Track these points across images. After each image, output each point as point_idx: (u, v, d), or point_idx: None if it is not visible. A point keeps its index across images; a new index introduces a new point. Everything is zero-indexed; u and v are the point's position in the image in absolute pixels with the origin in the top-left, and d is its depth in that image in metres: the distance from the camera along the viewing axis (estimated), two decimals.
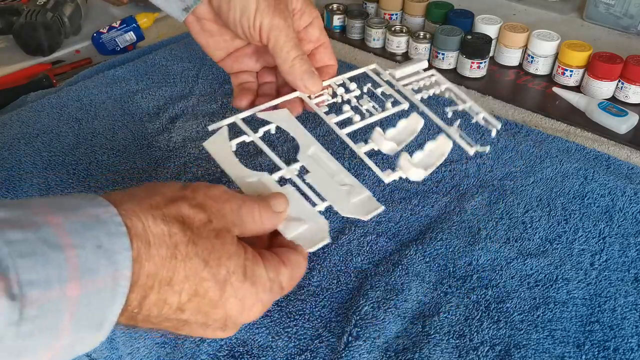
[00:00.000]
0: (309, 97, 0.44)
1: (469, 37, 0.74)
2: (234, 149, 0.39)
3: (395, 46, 0.80)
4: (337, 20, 0.86)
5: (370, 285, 0.44)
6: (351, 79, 0.46)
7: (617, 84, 0.70)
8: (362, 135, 0.42)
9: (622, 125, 0.64)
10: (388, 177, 0.39)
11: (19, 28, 0.76)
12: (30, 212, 0.25)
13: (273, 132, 0.42)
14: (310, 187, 0.38)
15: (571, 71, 0.72)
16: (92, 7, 0.94)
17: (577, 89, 0.73)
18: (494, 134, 0.44)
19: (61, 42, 0.81)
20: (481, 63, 0.74)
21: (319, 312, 0.42)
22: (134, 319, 0.29)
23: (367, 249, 0.48)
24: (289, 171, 0.39)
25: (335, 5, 0.87)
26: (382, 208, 0.37)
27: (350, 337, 0.40)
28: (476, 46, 0.73)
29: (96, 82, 0.68)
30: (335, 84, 0.45)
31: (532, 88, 0.73)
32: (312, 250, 0.34)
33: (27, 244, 0.23)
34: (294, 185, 0.38)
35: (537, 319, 0.42)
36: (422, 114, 0.44)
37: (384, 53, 0.81)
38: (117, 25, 0.82)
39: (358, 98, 0.45)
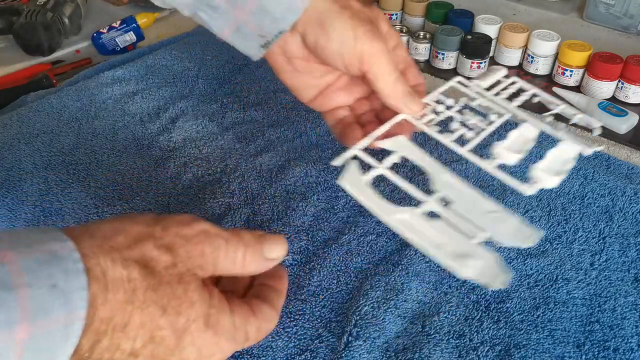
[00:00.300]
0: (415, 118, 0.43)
1: (469, 37, 0.74)
2: (369, 182, 0.37)
3: None
4: None
5: (370, 285, 0.44)
6: (444, 94, 0.45)
7: (617, 84, 0.70)
8: (479, 149, 0.42)
9: (622, 125, 0.64)
10: (529, 189, 0.37)
11: (19, 28, 0.76)
12: None
13: (397, 161, 0.40)
14: (461, 218, 0.35)
15: (571, 71, 0.72)
16: (92, 7, 0.94)
17: (577, 89, 0.73)
18: (596, 132, 0.43)
19: (61, 42, 0.81)
20: (481, 63, 0.74)
21: (319, 312, 0.42)
22: None
23: (367, 249, 0.48)
24: (434, 203, 0.36)
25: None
26: (541, 233, 0.35)
27: (350, 337, 0.40)
28: (476, 46, 0.73)
29: (96, 82, 0.68)
30: (432, 101, 0.45)
31: None
32: (494, 287, 0.31)
33: None
34: (437, 216, 0.36)
35: (537, 319, 0.42)
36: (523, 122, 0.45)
37: None
38: (117, 25, 0.82)
39: (460, 113, 0.45)
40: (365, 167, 0.37)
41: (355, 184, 0.36)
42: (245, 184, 0.54)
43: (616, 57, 0.69)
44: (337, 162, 0.38)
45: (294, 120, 0.63)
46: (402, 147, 0.41)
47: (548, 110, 0.47)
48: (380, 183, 0.38)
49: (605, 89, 0.70)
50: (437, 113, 0.45)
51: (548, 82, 0.74)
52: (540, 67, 0.75)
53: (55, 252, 0.25)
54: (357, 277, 0.45)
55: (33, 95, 0.67)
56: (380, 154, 0.39)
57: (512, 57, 0.77)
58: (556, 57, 0.74)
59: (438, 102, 0.46)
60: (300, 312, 0.42)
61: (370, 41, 0.40)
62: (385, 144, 0.41)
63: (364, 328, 0.41)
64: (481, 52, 0.73)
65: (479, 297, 0.44)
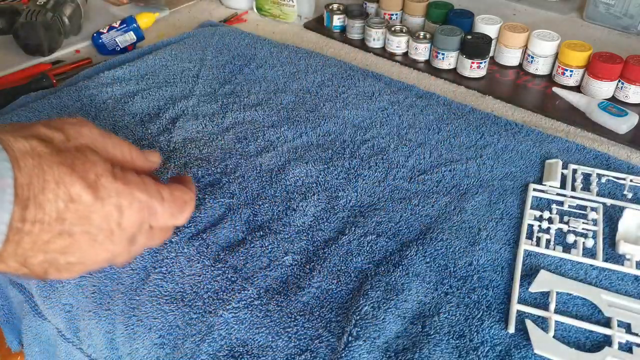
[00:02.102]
0: None
1: (469, 37, 0.74)
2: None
3: (395, 46, 0.80)
4: (337, 20, 0.86)
5: (370, 285, 0.44)
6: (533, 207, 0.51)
7: (617, 84, 0.70)
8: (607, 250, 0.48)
9: (622, 125, 0.64)
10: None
11: (19, 28, 0.76)
12: None
13: (555, 303, 0.43)
14: None
15: (571, 71, 0.72)
16: (92, 7, 0.94)
17: (577, 89, 0.73)
18: None
19: (61, 42, 0.81)
20: (481, 63, 0.74)
21: (318, 312, 0.42)
22: (20, 244, 0.29)
23: (367, 249, 0.47)
24: (617, 332, 0.41)
25: (335, 5, 0.87)
26: None
27: (350, 337, 0.40)
28: (476, 46, 0.73)
29: (96, 82, 0.68)
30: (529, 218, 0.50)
31: (532, 88, 0.73)
32: None
33: None
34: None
35: (538, 319, 0.42)
36: (612, 206, 0.51)
37: (383, 53, 0.81)
38: (117, 25, 0.82)
39: (561, 220, 0.50)
40: (539, 322, 0.41)
41: (548, 347, 0.40)
42: (245, 184, 0.54)
43: (616, 57, 0.69)
44: (533, 288, 0.43)
45: (294, 120, 0.63)
46: (553, 284, 0.44)
47: (619, 184, 0.54)
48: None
49: (605, 89, 0.70)
50: (543, 229, 0.49)
51: (548, 82, 0.74)
52: (540, 67, 0.75)
53: None
54: (357, 277, 0.45)
55: (33, 95, 0.67)
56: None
57: (512, 57, 0.77)
58: (556, 57, 0.74)
59: (536, 218, 0.50)
60: (300, 312, 0.42)
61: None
62: (536, 288, 0.44)
63: (364, 328, 0.41)
64: (481, 52, 0.73)
65: (480, 297, 0.44)
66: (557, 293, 0.44)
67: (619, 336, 0.40)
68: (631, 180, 0.55)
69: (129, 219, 0.33)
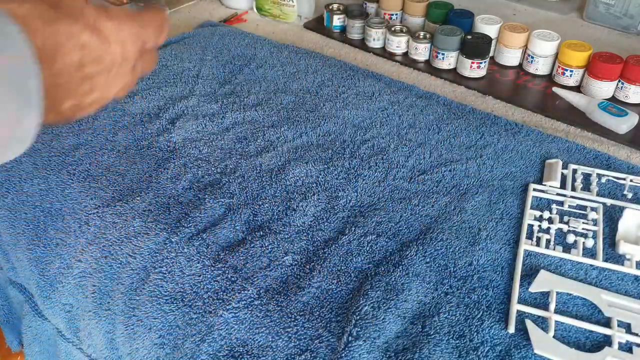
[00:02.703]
0: None
1: (469, 37, 0.74)
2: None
3: (395, 46, 0.80)
4: (337, 20, 0.86)
5: (370, 286, 0.44)
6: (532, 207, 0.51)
7: (617, 84, 0.70)
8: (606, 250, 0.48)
9: (622, 125, 0.64)
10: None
11: None
12: None
13: (555, 303, 0.43)
14: None
15: (571, 71, 0.72)
16: None
17: (577, 89, 0.73)
18: None
19: None
20: (481, 63, 0.74)
21: (319, 312, 0.42)
22: (55, 99, 0.33)
23: (367, 249, 0.47)
24: (617, 332, 0.41)
25: (335, 5, 0.87)
26: None
27: (350, 337, 0.40)
28: (476, 46, 0.73)
29: None
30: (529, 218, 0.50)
31: (532, 88, 0.73)
32: None
33: None
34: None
35: (538, 319, 0.42)
36: (612, 206, 0.52)
37: (383, 53, 0.81)
38: None
39: (560, 220, 0.50)
40: (539, 322, 0.41)
41: (548, 347, 0.40)
42: (245, 184, 0.54)
43: (616, 57, 0.69)
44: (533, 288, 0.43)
45: (294, 120, 0.63)
46: (553, 284, 0.44)
47: (619, 184, 0.54)
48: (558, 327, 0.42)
49: (605, 89, 0.70)
50: (543, 229, 0.49)
51: (548, 82, 0.74)
52: (540, 67, 0.75)
53: None
54: (357, 277, 0.45)
55: None
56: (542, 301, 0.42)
57: (512, 57, 0.77)
58: (556, 57, 0.74)
59: (536, 218, 0.50)
60: (300, 312, 0.42)
61: None
62: (536, 288, 0.44)
63: (364, 328, 0.41)
64: (481, 52, 0.73)
65: (480, 297, 0.44)
66: (557, 293, 0.44)
67: (619, 336, 0.40)
68: (631, 180, 0.55)
69: (131, 50, 0.37)
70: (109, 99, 0.39)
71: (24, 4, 0.32)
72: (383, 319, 0.41)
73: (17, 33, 0.30)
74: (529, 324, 0.41)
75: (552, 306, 0.42)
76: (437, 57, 0.76)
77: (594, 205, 0.52)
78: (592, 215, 0.50)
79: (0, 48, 0.28)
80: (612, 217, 0.51)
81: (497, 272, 0.46)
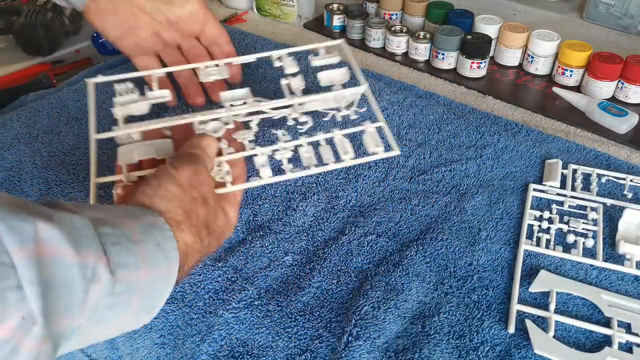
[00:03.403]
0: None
1: (469, 37, 0.74)
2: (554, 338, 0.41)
3: (395, 46, 0.80)
4: (337, 20, 0.86)
5: (370, 285, 0.44)
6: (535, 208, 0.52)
7: (617, 84, 0.70)
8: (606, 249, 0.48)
9: (622, 125, 0.64)
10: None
11: (19, 28, 0.76)
12: (112, 216, 0.32)
13: (555, 304, 0.43)
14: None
15: (571, 71, 0.72)
16: None
17: (577, 89, 0.73)
18: None
19: (61, 42, 0.81)
20: (481, 63, 0.74)
21: (319, 312, 0.42)
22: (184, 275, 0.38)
23: (368, 249, 0.48)
24: (617, 332, 0.41)
25: (335, 5, 0.87)
26: None
27: (350, 337, 0.40)
28: (476, 46, 0.73)
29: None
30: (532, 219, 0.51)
31: (532, 88, 0.74)
32: None
33: (115, 237, 0.31)
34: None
35: (538, 319, 0.42)
36: (612, 206, 0.52)
37: (384, 53, 0.81)
38: None
39: (560, 220, 0.51)
40: (539, 322, 0.41)
41: (548, 347, 0.40)
42: None
43: (616, 57, 0.69)
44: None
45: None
46: (553, 284, 0.44)
47: (619, 184, 0.54)
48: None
49: (605, 89, 0.70)
50: (543, 229, 0.49)
51: (548, 82, 0.74)
52: (540, 67, 0.75)
53: (153, 223, 0.34)
54: (357, 277, 0.45)
55: (33, 95, 0.67)
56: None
57: (512, 57, 0.77)
58: (556, 57, 0.74)
59: (536, 218, 0.51)
60: (300, 312, 0.42)
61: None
62: (536, 288, 0.44)
63: (364, 328, 0.41)
64: (481, 52, 0.73)
65: (480, 297, 0.44)
66: (557, 293, 0.44)
67: (619, 336, 0.40)
68: (631, 180, 0.55)
69: (230, 223, 0.43)
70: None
71: (196, 237, 0.37)
72: (383, 319, 0.41)
73: (176, 264, 0.34)
74: (529, 323, 0.41)
75: (552, 306, 0.42)
76: (437, 57, 0.76)
77: (594, 205, 0.52)
78: (592, 215, 0.50)
79: (157, 261, 0.33)
80: (612, 217, 0.51)
81: (497, 272, 0.46)
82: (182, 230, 0.36)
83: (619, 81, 0.70)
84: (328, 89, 0.51)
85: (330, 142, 0.48)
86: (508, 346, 0.40)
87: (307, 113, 0.51)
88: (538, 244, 0.48)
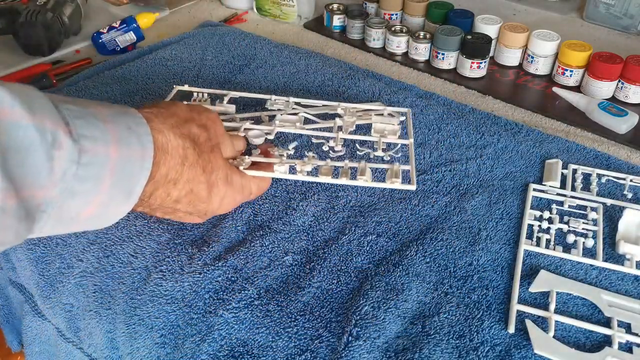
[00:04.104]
0: None
1: (469, 37, 0.74)
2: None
3: (395, 46, 0.80)
4: (337, 20, 0.86)
5: (370, 285, 0.44)
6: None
7: (617, 84, 0.70)
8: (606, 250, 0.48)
9: (622, 125, 0.64)
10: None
11: (19, 28, 0.76)
12: (83, 102, 0.33)
13: (555, 304, 0.43)
14: None
15: (571, 71, 0.72)
16: (92, 7, 0.94)
17: (577, 89, 0.73)
18: None
19: (61, 42, 0.81)
20: (481, 63, 0.74)
21: (319, 312, 0.43)
22: (142, 205, 0.38)
23: (368, 248, 0.48)
24: (617, 333, 0.41)
25: (335, 5, 0.87)
26: None
27: (350, 337, 0.40)
28: (476, 46, 0.73)
29: (96, 82, 0.68)
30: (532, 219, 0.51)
31: (532, 88, 0.74)
32: None
33: (80, 113, 0.31)
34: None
35: (538, 319, 0.42)
36: (612, 206, 0.52)
37: (384, 53, 0.82)
38: (117, 25, 0.82)
39: (560, 219, 0.51)
40: (539, 322, 0.41)
41: (548, 347, 0.40)
42: None
43: (616, 57, 0.69)
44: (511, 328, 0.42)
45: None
46: (553, 284, 0.44)
47: (619, 184, 0.55)
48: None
49: (605, 89, 0.70)
50: (543, 229, 0.49)
51: (548, 82, 0.75)
52: (540, 67, 0.75)
53: (126, 112, 0.35)
54: (357, 277, 0.45)
55: None
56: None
57: (512, 57, 0.77)
58: (556, 57, 0.74)
59: (536, 218, 0.51)
60: (300, 312, 0.42)
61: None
62: (536, 288, 0.44)
63: (364, 328, 0.41)
64: (481, 52, 0.73)
65: (480, 297, 0.44)
66: (557, 293, 0.44)
67: (619, 336, 0.40)
68: (631, 180, 0.55)
69: (222, 210, 0.45)
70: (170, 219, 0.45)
71: (183, 139, 0.38)
72: (383, 319, 0.41)
73: (148, 135, 0.35)
74: (529, 323, 0.41)
75: (552, 306, 0.42)
76: (437, 57, 0.76)
77: (594, 205, 0.52)
78: (592, 215, 0.50)
79: (130, 143, 0.33)
80: (612, 217, 0.51)
81: (497, 272, 0.46)
82: (161, 130, 0.36)
83: (619, 81, 0.70)
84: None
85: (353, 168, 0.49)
86: (508, 346, 0.40)
87: (344, 144, 0.54)
88: (538, 244, 0.48)
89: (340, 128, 0.54)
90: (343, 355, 0.39)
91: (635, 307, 0.42)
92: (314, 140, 0.54)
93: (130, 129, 0.33)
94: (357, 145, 0.55)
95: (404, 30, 0.80)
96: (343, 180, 0.47)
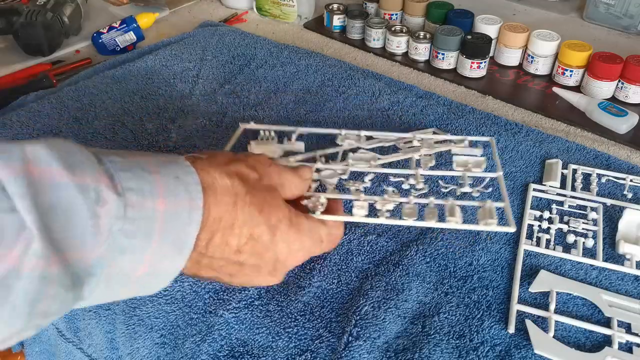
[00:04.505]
0: None
1: (469, 37, 0.74)
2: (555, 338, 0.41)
3: (395, 46, 0.80)
4: (337, 20, 0.86)
5: (370, 285, 0.44)
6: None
7: (617, 84, 0.70)
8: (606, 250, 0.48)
9: (622, 125, 0.64)
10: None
11: (19, 28, 0.76)
12: (127, 153, 0.31)
13: (555, 304, 0.43)
14: None
15: (571, 71, 0.72)
16: (92, 7, 0.94)
17: (577, 89, 0.73)
18: None
19: (61, 42, 0.81)
20: (481, 63, 0.74)
21: (319, 312, 0.43)
22: (199, 263, 0.34)
23: (368, 248, 0.48)
24: (617, 333, 0.41)
25: (335, 5, 0.87)
26: None
27: (350, 337, 0.40)
28: (476, 46, 0.73)
29: (96, 82, 0.68)
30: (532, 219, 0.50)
31: (532, 88, 0.74)
32: None
33: (125, 164, 0.29)
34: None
35: (538, 319, 0.42)
36: (612, 206, 0.52)
37: (384, 53, 0.82)
38: (117, 25, 0.82)
39: (560, 220, 0.50)
40: (539, 322, 0.41)
41: (548, 347, 0.40)
42: None
43: (616, 57, 0.69)
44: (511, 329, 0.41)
45: (294, 120, 0.63)
46: (553, 284, 0.44)
47: (619, 184, 0.54)
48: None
49: (605, 89, 0.70)
50: (543, 229, 0.49)
51: (548, 82, 0.74)
52: (540, 67, 0.75)
53: (173, 160, 0.33)
54: (357, 277, 0.45)
55: (33, 95, 0.67)
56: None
57: (512, 57, 0.77)
58: (556, 57, 0.74)
59: (536, 218, 0.50)
60: (300, 312, 0.42)
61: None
62: (536, 288, 0.44)
63: (364, 328, 0.41)
64: (481, 52, 0.73)
65: (480, 297, 0.44)
66: (557, 293, 0.44)
67: (619, 336, 0.40)
68: (631, 180, 0.55)
69: (293, 260, 0.39)
70: (246, 286, 0.40)
71: (231, 178, 0.34)
72: (383, 318, 0.41)
73: (197, 184, 0.32)
74: (529, 324, 0.41)
75: (552, 306, 0.42)
76: (437, 57, 0.76)
77: (594, 205, 0.52)
78: (592, 215, 0.50)
79: (178, 193, 0.31)
80: (612, 217, 0.51)
81: (497, 272, 0.46)
82: (207, 170, 0.33)
83: (619, 81, 0.70)
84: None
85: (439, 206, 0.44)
86: (508, 346, 0.40)
87: (425, 180, 0.48)
88: (538, 244, 0.48)
89: (418, 163, 0.49)
90: (343, 355, 0.39)
91: (635, 307, 0.42)
92: (392, 179, 0.49)
93: (178, 179, 0.31)
94: (440, 182, 0.52)
95: (404, 30, 0.80)
96: (432, 223, 0.41)
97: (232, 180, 0.34)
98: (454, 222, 0.41)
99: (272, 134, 0.50)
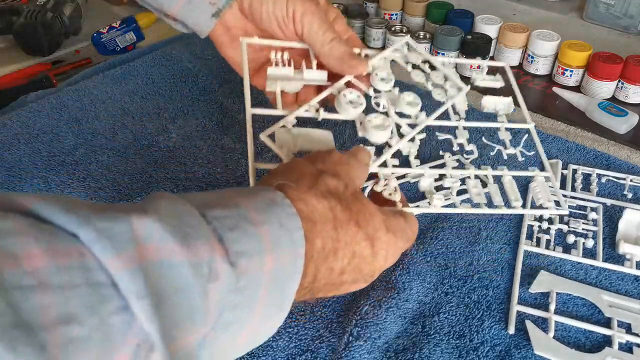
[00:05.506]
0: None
1: (469, 37, 0.74)
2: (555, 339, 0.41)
3: None
4: None
5: (371, 285, 0.44)
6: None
7: (617, 84, 0.70)
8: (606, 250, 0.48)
9: (622, 125, 0.64)
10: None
11: (19, 28, 0.76)
12: (220, 197, 0.27)
13: (554, 306, 0.43)
14: None
15: (571, 71, 0.72)
16: (92, 7, 0.94)
17: (577, 89, 0.73)
18: None
19: (61, 42, 0.81)
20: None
21: (319, 312, 0.42)
22: (307, 293, 0.32)
23: None
24: (617, 333, 0.41)
25: (335, 6, 0.87)
26: None
27: (350, 337, 0.40)
28: (476, 46, 0.73)
29: (96, 82, 0.68)
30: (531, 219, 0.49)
31: (532, 88, 0.74)
32: None
33: (231, 220, 0.25)
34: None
35: (538, 320, 0.42)
36: (612, 206, 0.52)
37: None
38: (117, 25, 0.82)
39: (564, 222, 0.50)
40: (539, 322, 0.41)
41: (548, 347, 0.40)
42: (246, 184, 0.54)
43: (616, 57, 0.69)
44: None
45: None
46: (553, 284, 0.44)
47: (619, 184, 0.54)
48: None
49: (605, 89, 0.70)
50: (543, 230, 0.49)
51: (548, 82, 0.74)
52: (540, 67, 0.75)
53: (272, 199, 0.28)
54: None
55: (33, 95, 0.67)
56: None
57: (512, 57, 0.77)
58: (556, 57, 0.74)
59: (536, 218, 0.50)
60: (301, 312, 0.42)
61: (302, 2, 0.42)
62: (536, 289, 0.44)
63: (365, 328, 0.41)
64: (481, 52, 0.73)
65: (480, 297, 0.44)
66: (557, 293, 0.44)
67: (619, 336, 0.40)
68: (631, 180, 0.55)
69: (389, 265, 0.36)
70: (339, 295, 0.37)
71: (327, 199, 0.31)
72: (384, 318, 0.41)
73: (299, 230, 0.28)
74: (529, 324, 0.41)
75: (552, 307, 0.42)
76: (437, 57, 0.76)
77: (594, 205, 0.52)
78: (592, 215, 0.50)
79: (282, 244, 0.27)
80: (612, 217, 0.51)
81: (497, 272, 0.46)
82: (302, 199, 0.30)
83: (619, 81, 0.70)
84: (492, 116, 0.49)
85: (497, 180, 0.44)
86: (508, 346, 0.40)
87: (472, 142, 0.47)
88: (538, 244, 0.48)
89: (455, 112, 0.47)
90: (343, 355, 0.39)
91: (635, 307, 0.42)
92: (440, 138, 0.48)
93: (282, 227, 0.27)
94: (484, 139, 0.52)
95: (404, 30, 0.80)
96: (503, 210, 0.41)
97: (329, 201, 0.31)
98: (519, 207, 0.41)
99: (287, 57, 0.44)
